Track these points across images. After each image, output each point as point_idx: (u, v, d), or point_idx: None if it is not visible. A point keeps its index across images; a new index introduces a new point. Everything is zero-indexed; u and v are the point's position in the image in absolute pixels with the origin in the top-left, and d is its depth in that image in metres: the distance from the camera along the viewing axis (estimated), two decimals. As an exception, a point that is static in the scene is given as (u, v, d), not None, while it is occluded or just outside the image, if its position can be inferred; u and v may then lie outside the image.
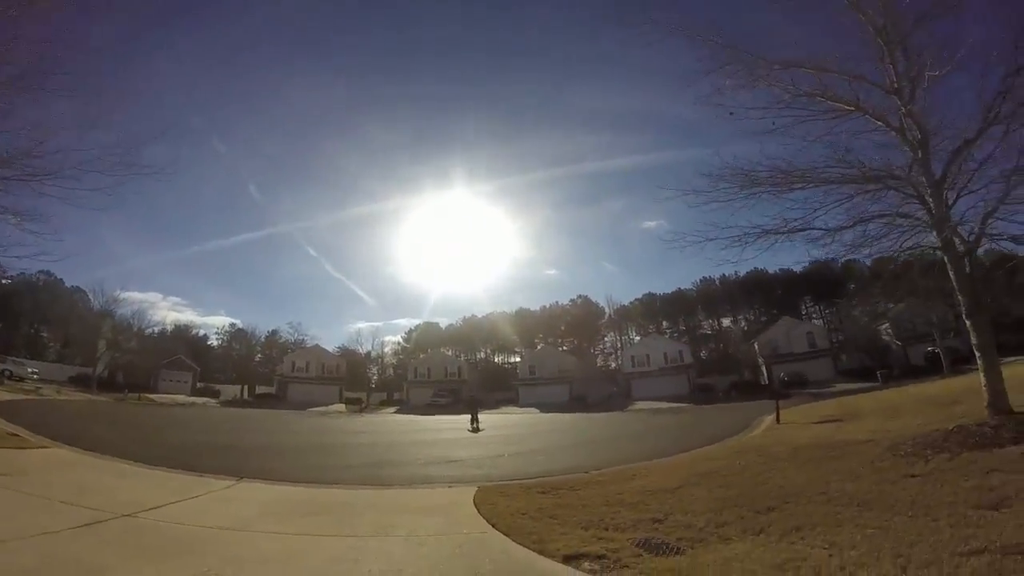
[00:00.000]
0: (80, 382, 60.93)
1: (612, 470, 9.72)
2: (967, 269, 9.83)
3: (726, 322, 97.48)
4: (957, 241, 9.87)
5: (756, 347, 65.08)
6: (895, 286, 14.92)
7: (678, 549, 4.45)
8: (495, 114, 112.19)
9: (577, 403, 59.01)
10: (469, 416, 25.77)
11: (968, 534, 4.15)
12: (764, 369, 60.49)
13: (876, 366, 42.48)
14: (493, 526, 5.54)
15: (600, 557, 4.27)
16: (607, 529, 5.08)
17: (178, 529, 5.49)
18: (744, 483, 7.15)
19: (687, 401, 49.58)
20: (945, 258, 9.89)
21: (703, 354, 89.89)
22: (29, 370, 55.21)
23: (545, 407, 56.16)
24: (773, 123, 10.55)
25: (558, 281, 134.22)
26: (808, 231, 10.78)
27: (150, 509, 6.19)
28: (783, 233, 10.72)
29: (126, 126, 11.60)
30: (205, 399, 63.99)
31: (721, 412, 25.57)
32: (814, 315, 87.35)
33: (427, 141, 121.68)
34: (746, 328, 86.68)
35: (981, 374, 9.55)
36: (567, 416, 39.20)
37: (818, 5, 11.22)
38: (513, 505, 6.43)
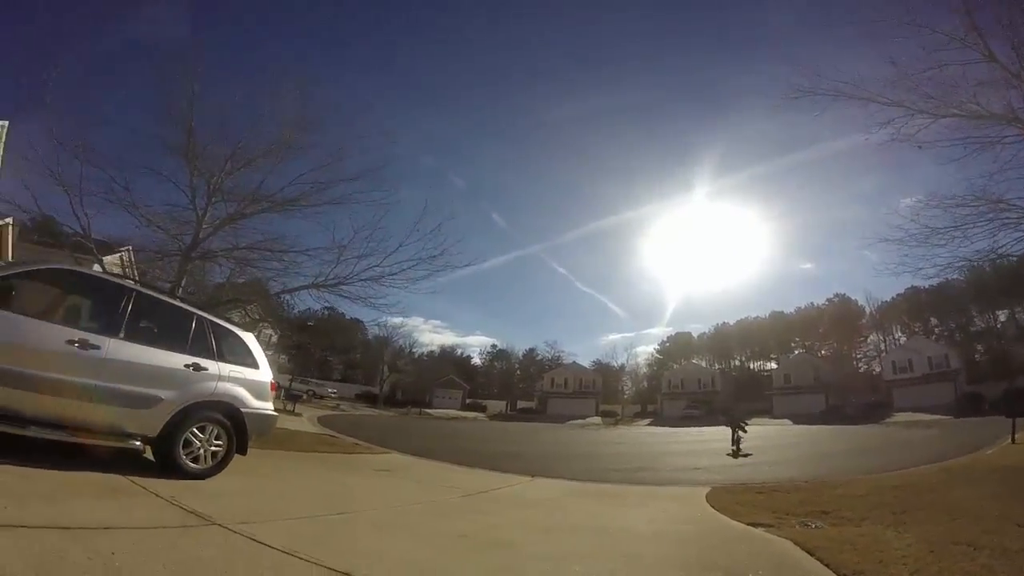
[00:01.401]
0: (366, 399, 72.58)
1: (823, 480, 11.33)
2: None
3: (1003, 317, 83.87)
4: None
5: None
6: None
7: (819, 526, 6.53)
8: (719, 103, 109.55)
9: (833, 414, 56.24)
10: (730, 432, 20.62)
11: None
12: None
13: None
14: (712, 507, 8.02)
15: (770, 525, 6.51)
16: (786, 515, 7.18)
17: (518, 498, 8.90)
18: (917, 497, 8.61)
19: (951, 413, 45.09)
20: None
21: (977, 356, 78.41)
22: (329, 390, 67.47)
23: (799, 418, 54.60)
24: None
25: (814, 276, 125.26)
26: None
27: (492, 490, 9.65)
28: None
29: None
30: (475, 413, 71.73)
31: (976, 428, 24.11)
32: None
33: (659, 146, 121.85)
34: None
35: None
36: (817, 429, 38.50)
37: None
38: (731, 498, 8.75)
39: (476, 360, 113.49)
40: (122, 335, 5.97)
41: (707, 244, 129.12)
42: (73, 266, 7.88)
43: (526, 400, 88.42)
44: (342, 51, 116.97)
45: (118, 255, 17.08)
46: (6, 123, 24.04)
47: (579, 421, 64.13)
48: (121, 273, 14.74)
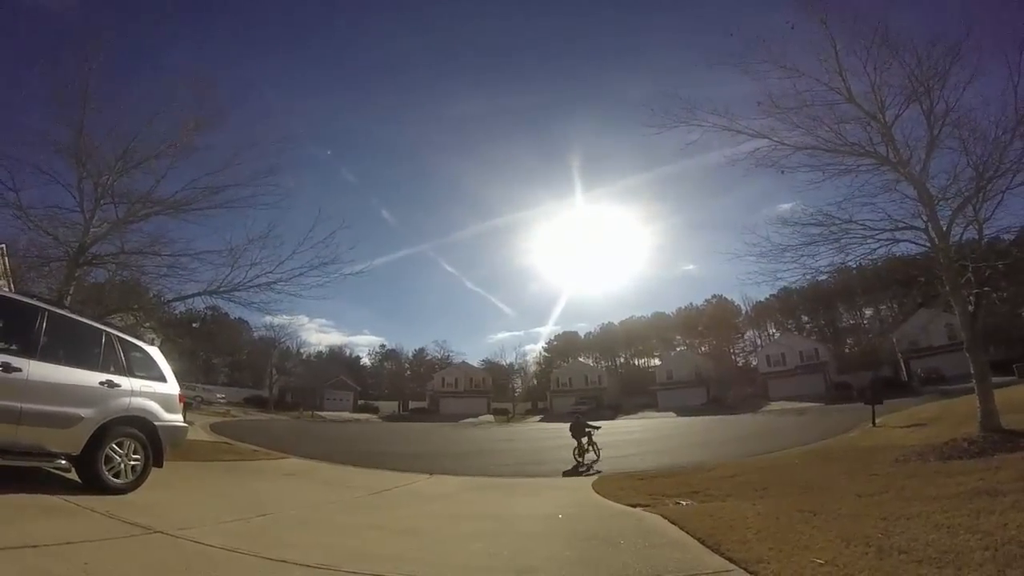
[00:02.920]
0: (254, 403, 70.29)
1: (698, 465, 12.90)
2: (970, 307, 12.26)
3: (869, 314, 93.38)
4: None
5: (894, 341, 62.53)
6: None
7: (689, 504, 7.76)
8: (611, 112, 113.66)
9: (714, 405, 60.78)
10: (577, 440, 16.60)
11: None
12: (903, 365, 58.70)
13: (1018, 359, 41.22)
14: (597, 493, 9.21)
15: (646, 505, 7.65)
16: (662, 496, 8.45)
17: (420, 494, 9.66)
18: (779, 475, 10.13)
19: (822, 401, 49.94)
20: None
21: (846, 349, 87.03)
22: (218, 396, 65.07)
23: (682, 410, 58.61)
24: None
25: (696, 276, 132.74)
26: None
27: (395, 488, 10.35)
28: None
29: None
30: (367, 415, 71.20)
31: (842, 414, 27.14)
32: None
33: (550, 148, 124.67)
34: (891, 320, 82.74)
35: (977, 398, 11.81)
36: (699, 420, 41.76)
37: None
38: (614, 484, 9.98)
39: (365, 360, 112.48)
40: (40, 356, 6.12)
41: (593, 246, 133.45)
42: None
43: (418, 400, 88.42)
44: (235, 36, 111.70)
45: None
46: None
47: (472, 420, 65.13)
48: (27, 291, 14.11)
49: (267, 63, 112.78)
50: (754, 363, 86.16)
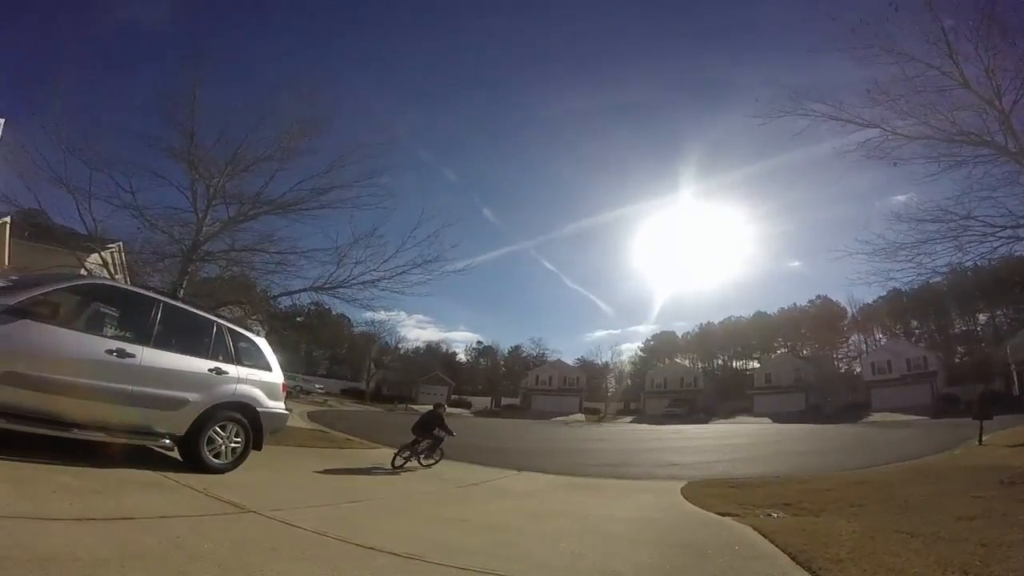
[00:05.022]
0: (351, 394, 72.84)
1: (792, 476, 12.17)
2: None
3: (983, 320, 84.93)
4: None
5: (1008, 351, 55.67)
6: None
7: (780, 516, 7.30)
8: (714, 103, 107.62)
9: (812, 413, 57.59)
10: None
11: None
12: (1016, 378, 53.22)
13: None
14: (686, 499, 8.82)
15: (736, 515, 7.27)
16: (752, 506, 7.99)
17: (508, 489, 9.66)
18: (876, 492, 9.40)
19: (927, 414, 46.14)
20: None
21: (956, 359, 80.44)
22: (316, 386, 67.88)
23: (779, 417, 55.74)
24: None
25: (802, 274, 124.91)
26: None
27: (483, 482, 10.49)
28: None
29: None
30: (460, 410, 72.25)
31: (948, 429, 25.20)
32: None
33: (651, 143, 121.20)
34: (1006, 327, 75.42)
35: None
36: (795, 427, 39.67)
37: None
38: (704, 491, 9.54)
39: (461, 356, 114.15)
40: (153, 343, 6.56)
41: (695, 242, 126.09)
42: (109, 281, 8.44)
43: (510, 397, 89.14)
44: (338, 45, 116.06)
45: (108, 252, 17.27)
46: (1, 120, 24.39)
47: (562, 418, 64.98)
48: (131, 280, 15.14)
49: (368, 71, 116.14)
50: (857, 370, 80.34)
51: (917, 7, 11.78)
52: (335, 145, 16.11)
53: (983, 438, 18.05)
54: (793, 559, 4.93)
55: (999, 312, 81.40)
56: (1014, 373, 52.88)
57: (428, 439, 11.96)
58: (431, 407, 13.36)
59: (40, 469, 5.22)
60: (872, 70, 12.40)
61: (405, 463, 11.24)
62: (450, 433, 12.40)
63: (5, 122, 23.83)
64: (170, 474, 6.35)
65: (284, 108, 15.69)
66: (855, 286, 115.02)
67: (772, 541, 5.65)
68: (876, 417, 49.25)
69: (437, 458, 12.05)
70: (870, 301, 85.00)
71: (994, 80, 11.49)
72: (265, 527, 4.79)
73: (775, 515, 7.37)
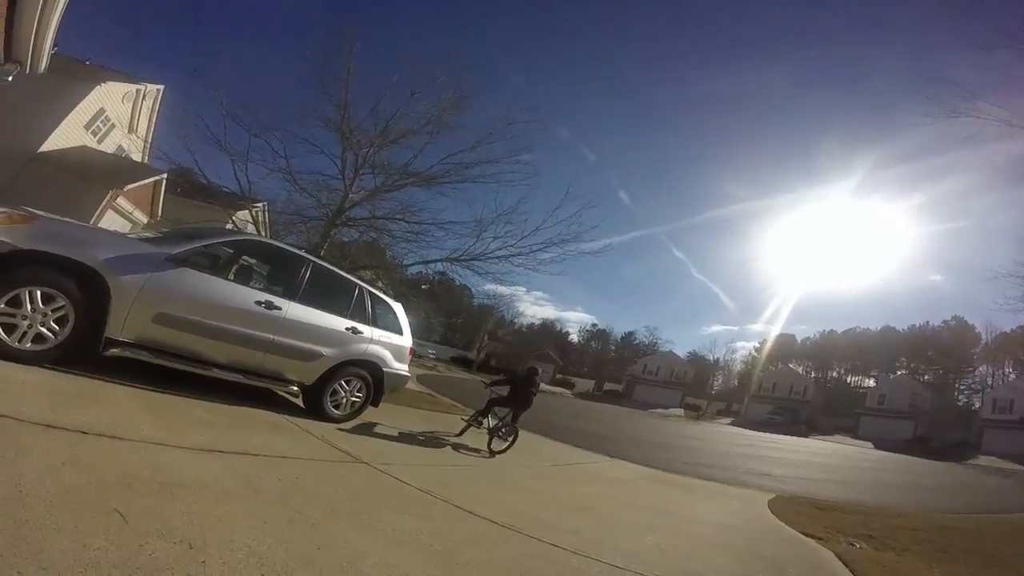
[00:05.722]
0: (460, 362, 74.84)
1: (881, 508, 11.69)
2: None
3: None
4: None
5: None
6: None
7: (863, 547, 7.17)
8: (867, 96, 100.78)
9: (917, 444, 53.73)
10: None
11: None
12: None
13: None
14: (772, 513, 8.76)
15: (820, 538, 7.19)
16: (837, 532, 7.81)
17: (599, 474, 10.01)
18: (964, 540, 8.89)
19: None
20: None
21: None
22: (429, 351, 70.31)
23: (882, 443, 52.46)
24: None
25: (940, 290, 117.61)
26: None
27: (576, 464, 10.89)
28: None
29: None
30: (561, 389, 72.92)
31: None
32: None
33: (796, 134, 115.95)
34: None
35: None
36: (897, 458, 37.32)
37: None
38: (791, 508, 9.39)
39: (574, 337, 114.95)
40: (299, 299, 7.33)
41: (832, 243, 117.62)
42: (265, 238, 9.43)
43: (614, 382, 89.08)
44: (488, 26, 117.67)
45: (255, 210, 18.91)
46: (162, 86, 27.13)
47: (661, 410, 64.28)
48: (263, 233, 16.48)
49: (513, 49, 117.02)
50: (976, 404, 73.81)
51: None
52: (481, 122, 16.80)
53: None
54: (869, 592, 4.95)
55: None
56: None
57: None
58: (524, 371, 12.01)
59: (177, 401, 5.85)
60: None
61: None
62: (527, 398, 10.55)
63: (166, 87, 26.56)
64: (292, 418, 7.13)
65: (435, 84, 16.43)
66: (1000, 311, 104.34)
67: (852, 570, 5.67)
68: (983, 460, 45.01)
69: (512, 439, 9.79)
70: (1008, 330, 76.60)
71: None
72: (375, 479, 5.38)
73: (858, 545, 7.29)
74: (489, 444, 9.31)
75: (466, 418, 10.36)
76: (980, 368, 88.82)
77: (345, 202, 15.34)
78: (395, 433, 8.62)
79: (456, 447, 9.08)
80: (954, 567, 6.73)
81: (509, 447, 9.60)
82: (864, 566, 5.87)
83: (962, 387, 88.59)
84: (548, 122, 73.19)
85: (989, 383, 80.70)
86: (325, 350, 7.60)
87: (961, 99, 12.26)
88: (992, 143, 12.96)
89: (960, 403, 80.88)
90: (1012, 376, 75.44)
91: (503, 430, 9.75)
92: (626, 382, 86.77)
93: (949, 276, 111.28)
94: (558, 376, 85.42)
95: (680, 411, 69.76)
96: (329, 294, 7.92)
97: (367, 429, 8.06)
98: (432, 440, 9.18)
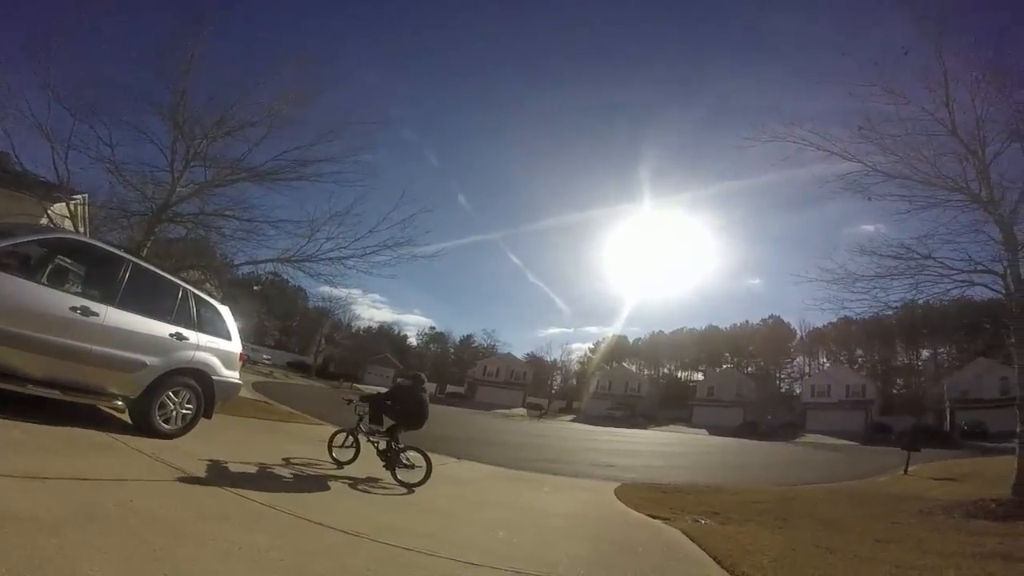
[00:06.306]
0: (297, 367, 71.99)
1: (722, 486, 12.87)
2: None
3: (926, 355, 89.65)
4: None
5: (945, 389, 59.91)
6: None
7: (708, 523, 7.84)
8: (704, 118, 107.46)
9: (747, 428, 59.67)
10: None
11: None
12: (948, 414, 56.15)
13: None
14: (618, 499, 9.35)
15: (666, 519, 7.76)
16: (682, 511, 8.51)
17: (449, 476, 9.97)
18: (801, 508, 10.00)
19: (859, 440, 48.54)
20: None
21: (894, 390, 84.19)
22: (264, 357, 66.98)
23: (715, 429, 57.97)
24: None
25: (758, 293, 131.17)
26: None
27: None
28: None
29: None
30: (401, 394, 71.79)
31: (876, 456, 26.50)
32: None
33: (634, 149, 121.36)
34: (946, 365, 79.33)
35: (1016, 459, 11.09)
36: (730, 441, 41.45)
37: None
38: (637, 494, 10.06)
39: (412, 340, 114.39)
40: (118, 303, 6.62)
41: (661, 251, 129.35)
42: (80, 236, 8.41)
43: (455, 385, 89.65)
44: (339, 20, 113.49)
45: (73, 203, 16.93)
46: None
47: (504, 411, 65.77)
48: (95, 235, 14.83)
49: (365, 46, 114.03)
50: (797, 391, 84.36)
51: (926, 51, 12.56)
52: (325, 119, 16.10)
53: (909, 468, 19.00)
54: (718, 562, 5.37)
55: (942, 350, 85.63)
56: (947, 410, 56.02)
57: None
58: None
59: (-12, 424, 5.20)
60: (865, 106, 13.06)
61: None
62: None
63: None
64: (119, 436, 6.50)
65: (281, 76, 15.64)
66: (809, 311, 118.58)
67: (699, 545, 6.07)
68: (809, 438, 51.85)
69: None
70: (820, 326, 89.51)
71: (981, 131, 12.17)
72: (215, 495, 5.03)
73: (703, 521, 7.88)
74: (393, 472, 7.98)
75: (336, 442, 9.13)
76: (798, 359, 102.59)
77: (173, 196, 14.08)
78: (232, 446, 8.08)
79: (301, 455, 8.66)
80: (794, 532, 7.48)
81: (426, 479, 7.96)
82: (710, 540, 6.34)
83: (783, 376, 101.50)
84: (394, 123, 72.68)
85: (807, 372, 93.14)
86: (149, 359, 6.93)
87: (783, 125, 13.87)
88: (808, 165, 14.57)
89: (783, 390, 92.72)
90: (827, 365, 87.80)
91: (404, 454, 8.29)
92: (468, 384, 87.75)
93: (766, 280, 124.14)
94: (398, 380, 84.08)
95: (523, 411, 72.01)
96: (151, 297, 7.28)
97: (201, 443, 7.43)
98: (275, 452, 8.67)
